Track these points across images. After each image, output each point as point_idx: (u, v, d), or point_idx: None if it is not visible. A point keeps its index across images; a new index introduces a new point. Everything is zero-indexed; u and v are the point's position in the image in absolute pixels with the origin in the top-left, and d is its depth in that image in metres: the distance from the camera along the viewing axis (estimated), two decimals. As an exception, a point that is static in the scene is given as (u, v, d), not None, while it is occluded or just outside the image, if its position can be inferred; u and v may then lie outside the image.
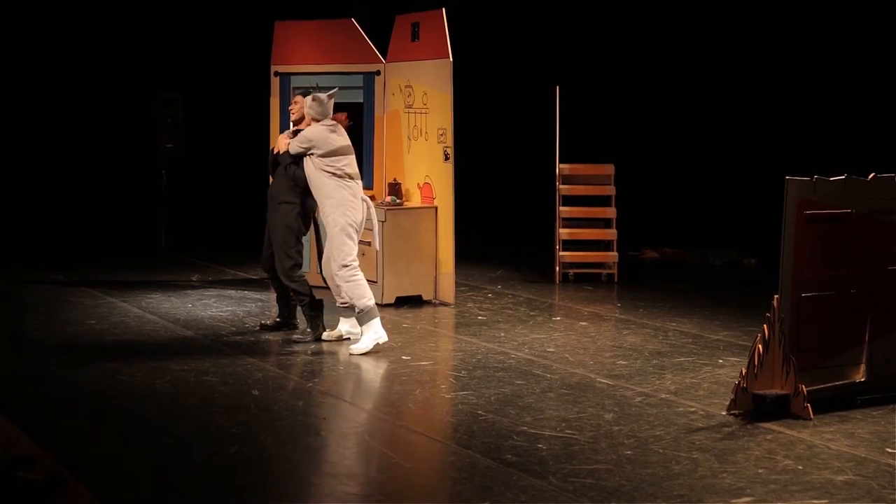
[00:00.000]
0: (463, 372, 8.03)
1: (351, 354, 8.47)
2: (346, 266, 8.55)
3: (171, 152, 14.15)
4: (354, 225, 8.63)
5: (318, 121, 8.76)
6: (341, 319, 8.98)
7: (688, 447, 6.22)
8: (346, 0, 13.47)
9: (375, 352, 8.52)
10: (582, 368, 8.16)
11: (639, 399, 7.28)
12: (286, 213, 8.90)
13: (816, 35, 13.57)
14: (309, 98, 8.82)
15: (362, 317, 8.52)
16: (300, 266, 9.02)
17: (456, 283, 10.96)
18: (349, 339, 8.87)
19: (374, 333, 8.52)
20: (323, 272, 8.94)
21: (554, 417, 6.82)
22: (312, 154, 8.65)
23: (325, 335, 8.96)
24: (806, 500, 5.40)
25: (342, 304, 8.82)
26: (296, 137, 8.82)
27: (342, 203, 8.58)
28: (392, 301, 10.62)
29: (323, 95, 8.84)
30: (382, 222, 10.57)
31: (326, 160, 8.62)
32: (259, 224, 12.35)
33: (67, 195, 15.41)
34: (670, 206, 14.89)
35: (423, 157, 10.96)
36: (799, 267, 6.85)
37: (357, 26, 11.56)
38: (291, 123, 9.36)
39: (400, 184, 11.08)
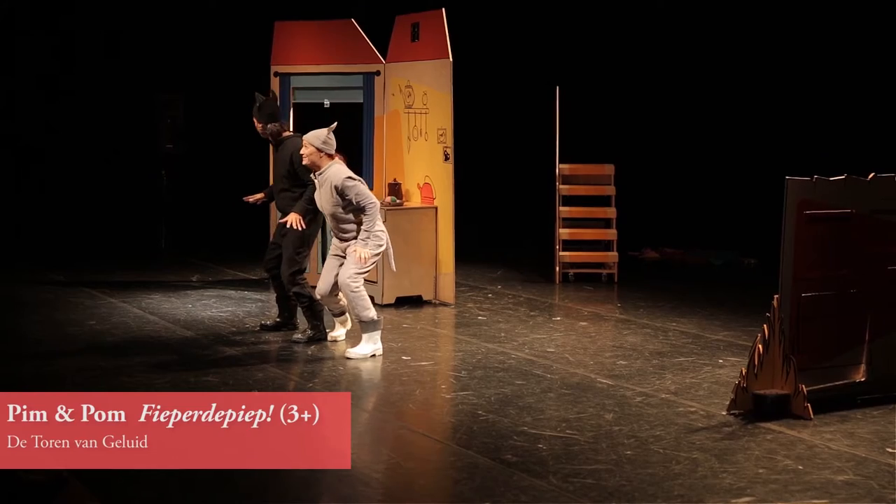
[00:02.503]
0: (463, 372, 8.03)
1: (347, 358, 8.47)
2: (354, 280, 8.41)
3: (171, 152, 14.15)
4: (376, 252, 8.45)
5: (331, 156, 8.46)
6: (336, 325, 9.08)
7: (688, 447, 6.22)
8: (346, 0, 13.47)
9: (369, 359, 8.52)
10: (582, 368, 8.16)
11: (639, 399, 7.28)
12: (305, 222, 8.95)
13: (816, 35, 13.57)
14: (325, 133, 8.44)
15: (367, 326, 8.47)
16: (304, 271, 9.09)
17: (456, 283, 10.96)
18: (343, 339, 9.00)
19: (374, 344, 8.49)
20: (320, 287, 8.75)
21: (554, 417, 6.82)
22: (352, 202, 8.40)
23: (330, 335, 9.02)
24: (806, 499, 5.40)
25: (338, 312, 8.98)
26: (361, 241, 8.36)
27: (374, 236, 8.43)
28: (392, 301, 10.62)
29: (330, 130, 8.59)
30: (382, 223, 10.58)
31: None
32: (259, 224, 12.40)
33: (67, 195, 15.40)
34: (670, 206, 14.89)
35: (423, 157, 10.95)
36: (799, 267, 6.85)
37: (357, 26, 11.55)
38: (271, 142, 9.39)
39: (400, 184, 11.08)
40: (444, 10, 10.58)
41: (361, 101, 11.62)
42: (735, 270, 13.35)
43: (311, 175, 8.61)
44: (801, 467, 5.87)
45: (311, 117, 12.74)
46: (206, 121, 15.40)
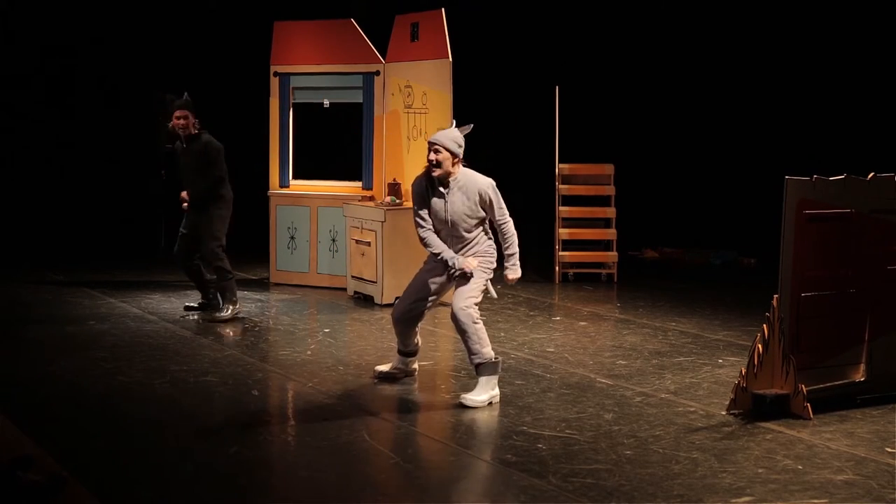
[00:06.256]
0: (463, 372, 8.03)
1: (463, 405, 7.09)
2: (475, 308, 7.25)
3: (170, 152, 14.14)
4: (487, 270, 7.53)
5: (461, 160, 7.59)
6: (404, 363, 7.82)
7: (687, 447, 6.22)
8: (346, 0, 13.47)
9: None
10: (582, 368, 8.16)
11: (638, 399, 7.29)
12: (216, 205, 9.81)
13: (816, 35, 13.57)
14: (461, 136, 7.67)
15: (485, 368, 7.13)
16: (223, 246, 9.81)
17: (456, 282, 10.94)
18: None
19: (492, 390, 7.17)
20: (399, 309, 7.58)
21: (554, 417, 6.82)
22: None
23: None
24: (805, 499, 5.40)
25: (411, 352, 7.81)
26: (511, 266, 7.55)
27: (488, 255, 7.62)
28: (392, 301, 10.61)
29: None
30: (382, 223, 10.59)
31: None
32: (259, 224, 12.40)
33: (67, 195, 15.40)
34: (670, 206, 14.90)
35: (423, 157, 10.89)
36: (798, 266, 6.85)
37: (356, 26, 11.56)
38: (182, 139, 10.08)
39: (400, 184, 11.08)
40: (443, 9, 10.59)
41: (361, 101, 11.63)
42: (734, 270, 13.36)
43: (427, 184, 7.68)
44: (800, 467, 5.87)
45: (310, 117, 12.78)
46: (206, 120, 15.38)
